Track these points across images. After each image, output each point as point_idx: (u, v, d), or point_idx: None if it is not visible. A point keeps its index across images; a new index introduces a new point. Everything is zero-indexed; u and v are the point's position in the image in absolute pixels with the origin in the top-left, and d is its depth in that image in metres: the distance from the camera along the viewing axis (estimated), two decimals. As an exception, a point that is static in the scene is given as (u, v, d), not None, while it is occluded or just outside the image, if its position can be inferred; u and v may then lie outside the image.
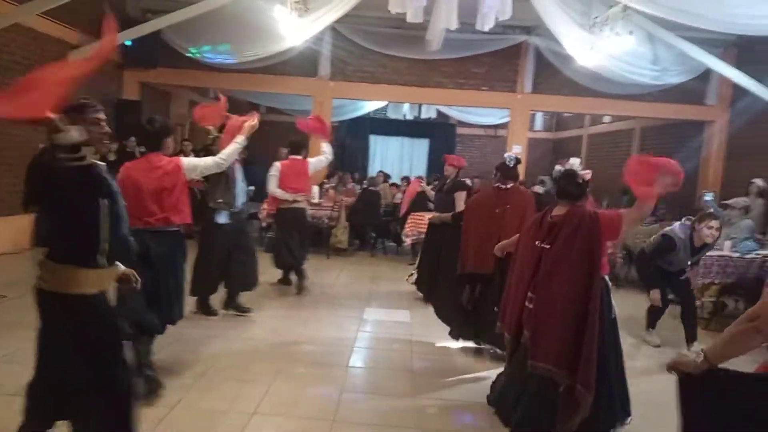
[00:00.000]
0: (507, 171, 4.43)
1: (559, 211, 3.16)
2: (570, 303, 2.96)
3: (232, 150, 4.11)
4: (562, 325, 2.97)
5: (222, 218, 4.96)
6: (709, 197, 6.95)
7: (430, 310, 5.99)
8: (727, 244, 5.77)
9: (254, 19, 8.37)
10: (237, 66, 9.57)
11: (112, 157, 8.15)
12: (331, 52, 10.05)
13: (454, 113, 15.28)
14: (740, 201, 6.42)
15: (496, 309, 3.68)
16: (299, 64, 10.07)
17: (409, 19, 6.53)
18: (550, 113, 17.09)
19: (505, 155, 4.50)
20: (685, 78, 9.44)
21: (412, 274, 6.76)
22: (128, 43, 9.07)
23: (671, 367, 2.04)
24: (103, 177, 2.35)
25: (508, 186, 4.43)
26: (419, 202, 9.20)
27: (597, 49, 7.39)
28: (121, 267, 2.51)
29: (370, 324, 5.40)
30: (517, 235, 3.58)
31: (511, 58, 10.33)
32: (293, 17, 7.20)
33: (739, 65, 9.18)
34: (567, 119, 16.86)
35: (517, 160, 4.49)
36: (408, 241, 8.51)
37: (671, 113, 10.42)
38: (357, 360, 4.43)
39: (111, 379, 2.35)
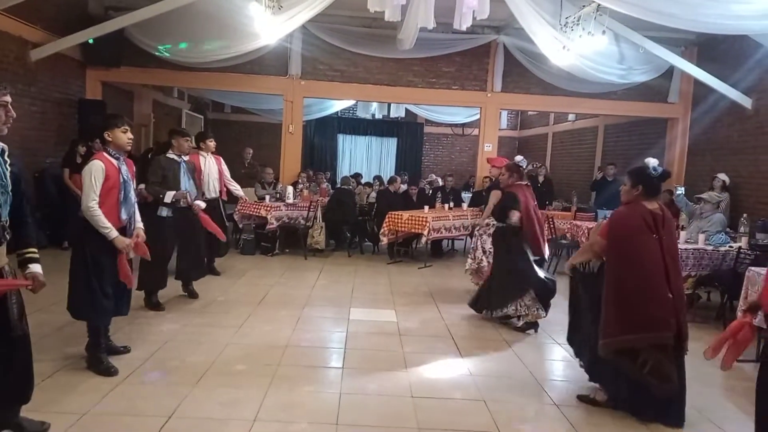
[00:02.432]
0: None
1: (651, 206, 3.53)
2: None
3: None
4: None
5: (164, 212, 5.30)
6: (680, 191, 7.15)
7: (414, 308, 6.01)
8: (701, 237, 5.96)
9: (224, 17, 8.19)
10: (204, 65, 9.35)
11: (79, 160, 7.98)
12: (301, 50, 9.93)
13: (422, 112, 15.34)
14: (714, 195, 6.63)
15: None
16: (269, 63, 9.93)
17: (388, 17, 6.46)
18: (514, 112, 17.35)
19: (534, 164, 5.27)
20: (650, 76, 9.73)
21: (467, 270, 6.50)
22: (90, 41, 8.77)
23: None
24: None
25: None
26: (399, 202, 9.26)
27: (569, 48, 7.51)
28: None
29: (357, 324, 5.33)
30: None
31: (481, 56, 10.43)
32: (267, 15, 7.06)
33: (700, 64, 9.51)
34: (531, 118, 17.14)
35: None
36: (384, 240, 8.47)
37: (636, 111, 10.71)
38: (351, 361, 4.36)
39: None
